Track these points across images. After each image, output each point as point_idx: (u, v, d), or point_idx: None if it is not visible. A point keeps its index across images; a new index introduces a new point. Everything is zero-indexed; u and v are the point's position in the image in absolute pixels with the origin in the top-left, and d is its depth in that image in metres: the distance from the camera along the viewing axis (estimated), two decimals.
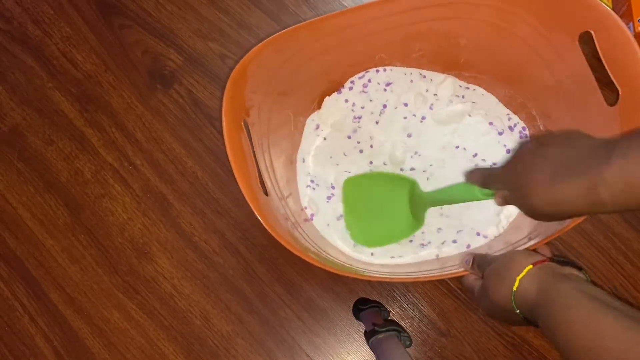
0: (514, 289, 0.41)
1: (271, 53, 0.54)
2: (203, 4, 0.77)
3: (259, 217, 0.47)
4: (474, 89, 0.67)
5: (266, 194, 0.54)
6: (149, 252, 0.67)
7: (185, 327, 0.65)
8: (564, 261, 0.43)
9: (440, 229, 0.62)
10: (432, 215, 0.62)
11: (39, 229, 0.68)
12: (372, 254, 0.62)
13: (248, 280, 0.66)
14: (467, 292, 0.51)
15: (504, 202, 0.45)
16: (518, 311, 0.41)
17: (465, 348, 0.63)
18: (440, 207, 0.62)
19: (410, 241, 0.62)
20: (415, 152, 0.65)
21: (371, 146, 0.66)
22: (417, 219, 0.61)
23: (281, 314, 0.64)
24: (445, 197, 0.56)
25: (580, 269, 0.42)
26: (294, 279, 0.65)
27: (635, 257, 0.64)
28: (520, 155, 0.43)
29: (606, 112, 0.51)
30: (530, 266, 0.41)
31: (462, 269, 0.51)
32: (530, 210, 0.41)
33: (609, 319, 0.33)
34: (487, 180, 0.48)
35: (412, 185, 0.61)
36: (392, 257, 0.62)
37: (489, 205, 0.60)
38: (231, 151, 0.49)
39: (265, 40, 0.52)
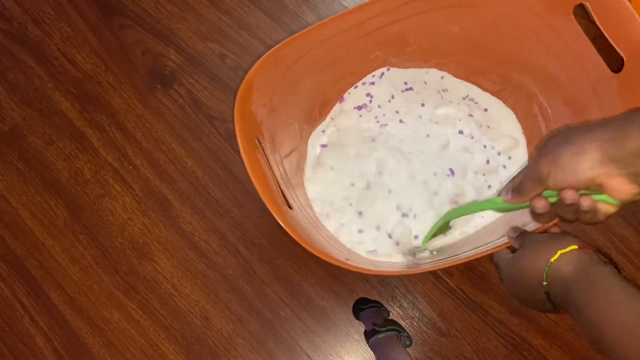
0: (552, 260, 0.41)
1: (271, 66, 0.54)
2: (203, 4, 0.77)
3: (292, 234, 0.46)
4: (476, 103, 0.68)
5: (290, 207, 0.54)
6: (149, 252, 0.67)
7: (185, 327, 0.65)
8: (605, 255, 0.43)
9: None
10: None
11: (39, 229, 0.68)
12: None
13: (248, 280, 0.66)
14: (495, 266, 0.51)
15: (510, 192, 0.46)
16: (545, 283, 0.41)
17: (465, 348, 0.63)
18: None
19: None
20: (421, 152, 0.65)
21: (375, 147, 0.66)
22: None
23: (281, 314, 0.64)
24: (465, 211, 0.57)
25: (615, 265, 0.42)
26: (294, 278, 0.65)
27: (635, 257, 0.64)
28: (551, 135, 0.43)
29: (611, 80, 0.51)
30: (576, 246, 0.41)
31: (503, 240, 0.51)
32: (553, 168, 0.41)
33: None
34: (522, 188, 0.46)
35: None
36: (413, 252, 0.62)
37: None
38: (252, 170, 0.47)
39: (265, 55, 0.52)
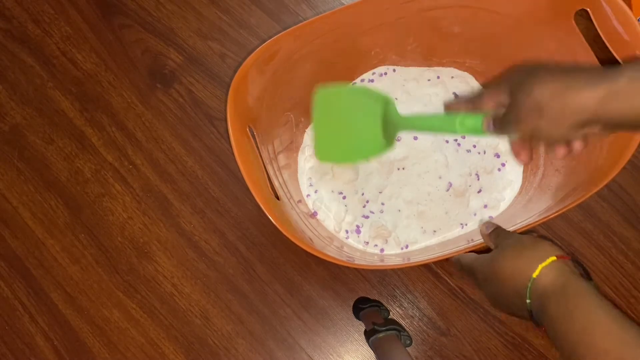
0: (534, 276, 0.40)
1: (267, 58, 0.54)
2: (203, 3, 0.77)
3: (275, 223, 0.47)
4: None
5: (278, 198, 0.54)
6: (149, 251, 0.67)
7: (185, 326, 0.65)
8: (579, 263, 0.42)
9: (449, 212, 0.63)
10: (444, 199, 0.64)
11: (39, 228, 0.68)
12: (382, 250, 0.62)
13: (248, 279, 0.66)
14: (464, 271, 0.48)
15: (494, 125, 0.43)
16: (529, 301, 0.40)
17: (465, 347, 0.63)
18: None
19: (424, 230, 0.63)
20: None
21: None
22: (388, 140, 0.53)
23: (281, 313, 0.65)
24: (420, 123, 0.52)
25: (589, 277, 0.42)
26: (294, 278, 0.65)
27: (635, 257, 0.64)
28: (523, 67, 0.43)
29: None
30: (554, 257, 0.40)
31: (467, 245, 0.50)
32: (529, 107, 0.40)
33: (634, 330, 0.34)
34: (478, 98, 0.45)
35: (387, 102, 0.53)
36: (406, 245, 0.62)
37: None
38: (240, 159, 0.48)
39: (261, 47, 0.52)
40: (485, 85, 0.44)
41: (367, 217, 0.64)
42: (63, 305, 0.66)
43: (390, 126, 0.52)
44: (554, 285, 0.39)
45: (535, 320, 0.40)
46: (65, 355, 0.64)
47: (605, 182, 0.49)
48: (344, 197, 0.64)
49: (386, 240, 0.63)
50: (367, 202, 0.64)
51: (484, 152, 0.65)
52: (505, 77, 0.44)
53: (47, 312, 0.66)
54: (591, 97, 0.37)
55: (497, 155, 0.65)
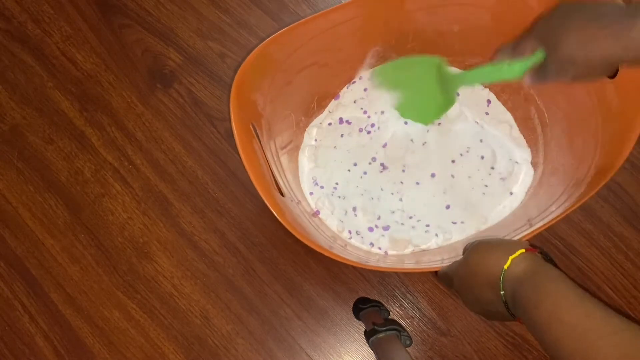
0: (505, 267, 0.41)
1: (269, 55, 0.54)
2: (203, 3, 0.77)
3: (280, 220, 0.47)
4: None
5: (282, 194, 0.54)
6: (149, 251, 0.67)
7: (185, 326, 0.65)
8: (547, 254, 0.43)
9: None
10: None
11: (39, 229, 0.68)
12: (386, 252, 0.62)
13: (248, 279, 0.66)
14: (443, 282, 0.50)
15: (535, 76, 0.48)
16: (503, 292, 0.41)
17: (465, 347, 0.63)
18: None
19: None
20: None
21: (370, 138, 0.66)
22: (448, 98, 0.59)
23: (281, 314, 0.64)
24: (472, 77, 0.57)
25: (557, 266, 0.43)
26: (294, 278, 0.65)
27: (635, 257, 0.64)
28: (552, 12, 0.46)
29: (607, 85, 0.52)
30: (523, 250, 0.42)
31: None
32: (563, 59, 0.44)
33: (600, 306, 0.35)
34: (517, 46, 0.50)
35: (439, 64, 0.59)
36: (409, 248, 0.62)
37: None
38: (244, 154, 0.48)
39: (262, 44, 0.52)
40: (520, 36, 0.50)
41: (387, 228, 0.63)
42: (63, 305, 0.66)
43: (447, 85, 0.58)
44: (524, 273, 0.40)
45: (511, 312, 0.41)
46: (65, 356, 0.64)
47: (604, 181, 0.49)
48: (346, 198, 0.64)
49: (402, 248, 0.62)
50: (371, 203, 0.64)
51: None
52: (535, 28, 0.48)
53: (47, 312, 0.66)
54: (613, 48, 0.41)
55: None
